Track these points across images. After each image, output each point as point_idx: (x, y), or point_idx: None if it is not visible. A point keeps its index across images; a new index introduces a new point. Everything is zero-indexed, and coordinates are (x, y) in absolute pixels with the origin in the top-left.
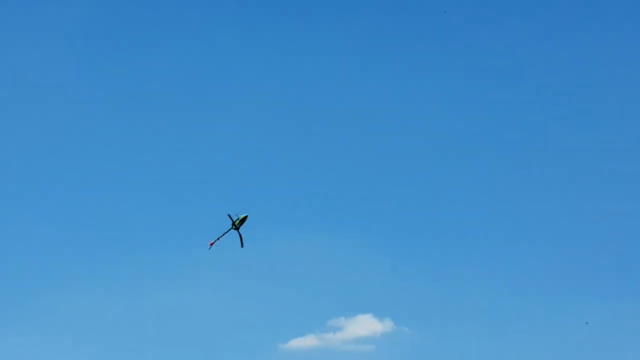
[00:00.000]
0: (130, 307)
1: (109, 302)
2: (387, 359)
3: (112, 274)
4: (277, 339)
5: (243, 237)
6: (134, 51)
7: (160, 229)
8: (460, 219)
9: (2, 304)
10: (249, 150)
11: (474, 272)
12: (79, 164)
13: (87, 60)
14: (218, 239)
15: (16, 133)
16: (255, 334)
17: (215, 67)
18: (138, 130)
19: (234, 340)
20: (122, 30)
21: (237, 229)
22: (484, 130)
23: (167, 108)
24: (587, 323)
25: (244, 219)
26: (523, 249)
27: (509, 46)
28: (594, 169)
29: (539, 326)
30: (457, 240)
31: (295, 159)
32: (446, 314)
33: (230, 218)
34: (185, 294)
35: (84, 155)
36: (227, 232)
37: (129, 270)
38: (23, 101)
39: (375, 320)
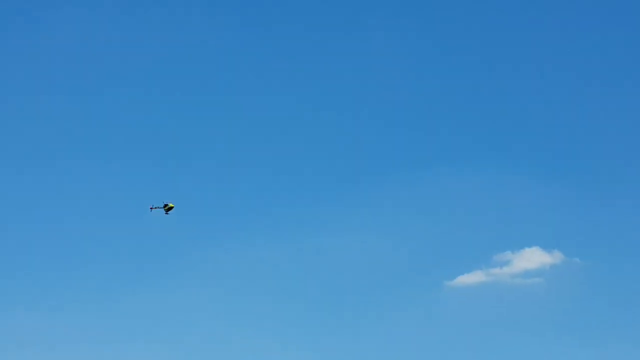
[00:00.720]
0: (295, 256)
1: (273, 253)
2: (558, 291)
3: (274, 226)
4: (444, 276)
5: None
6: None
7: (321, 180)
8: (629, 146)
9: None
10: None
11: None
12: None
13: None
14: (156, 207)
15: None
16: (422, 272)
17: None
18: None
19: (401, 279)
20: None
21: (166, 213)
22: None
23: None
24: None
25: (171, 207)
26: None
27: None
28: None
29: None
30: (626, 169)
31: (460, 96)
32: (620, 243)
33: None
34: (350, 237)
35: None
36: (160, 208)
37: (291, 222)
38: None
39: (543, 252)
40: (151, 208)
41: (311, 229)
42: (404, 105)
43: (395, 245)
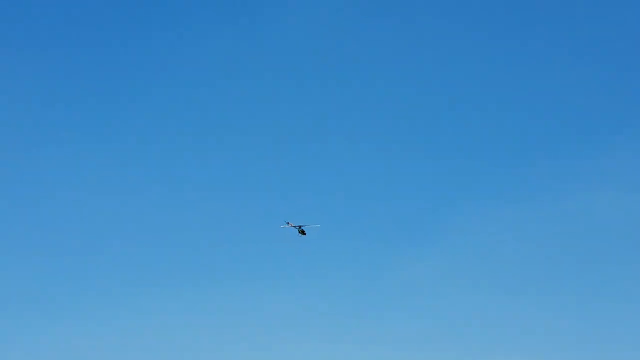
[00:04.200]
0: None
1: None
2: None
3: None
4: None
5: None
6: None
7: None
8: None
9: None
10: None
11: None
12: None
13: None
14: (292, 225)
15: None
16: None
17: None
18: None
19: None
20: None
21: (299, 232)
22: None
23: None
24: None
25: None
26: None
27: None
28: None
29: None
30: None
31: None
32: None
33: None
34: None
35: None
36: (296, 227)
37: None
38: None
39: None
40: (288, 223)
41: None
42: None
43: None
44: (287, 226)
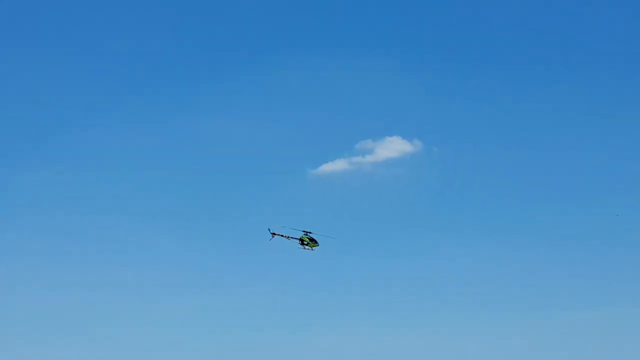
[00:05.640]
0: (161, 136)
1: (139, 133)
2: (418, 179)
3: (143, 107)
4: (308, 164)
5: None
6: None
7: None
8: (497, 39)
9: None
10: None
11: (507, 91)
12: None
13: None
14: (280, 235)
15: None
16: (286, 161)
17: None
18: None
19: (265, 167)
20: None
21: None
22: None
23: None
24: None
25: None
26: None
27: None
28: None
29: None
30: (492, 59)
31: None
32: (477, 133)
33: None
34: (217, 121)
35: None
36: (293, 238)
37: (160, 102)
38: None
39: (404, 141)
40: (273, 234)
41: (174, 111)
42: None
43: (258, 131)
44: (276, 237)
